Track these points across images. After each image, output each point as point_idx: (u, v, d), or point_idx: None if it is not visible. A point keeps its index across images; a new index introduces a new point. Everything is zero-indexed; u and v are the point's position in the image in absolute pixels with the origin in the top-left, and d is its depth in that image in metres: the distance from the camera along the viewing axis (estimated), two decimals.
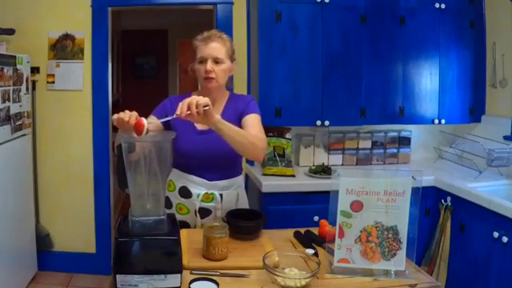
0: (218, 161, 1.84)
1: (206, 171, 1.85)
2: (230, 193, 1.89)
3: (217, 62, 1.79)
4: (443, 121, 2.96)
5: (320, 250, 1.59)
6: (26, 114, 2.89)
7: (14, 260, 2.74)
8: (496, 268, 2.19)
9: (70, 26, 3.07)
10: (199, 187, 1.85)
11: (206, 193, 1.85)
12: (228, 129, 1.60)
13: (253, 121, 1.82)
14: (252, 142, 1.68)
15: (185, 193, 1.86)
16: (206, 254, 1.52)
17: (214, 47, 1.78)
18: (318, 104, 2.81)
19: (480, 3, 2.97)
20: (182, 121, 1.77)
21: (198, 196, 1.85)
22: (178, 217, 1.85)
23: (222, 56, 1.80)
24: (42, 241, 3.15)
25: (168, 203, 1.89)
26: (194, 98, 1.49)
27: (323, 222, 1.74)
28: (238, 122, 1.83)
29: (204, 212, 1.85)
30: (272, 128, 2.87)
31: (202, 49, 1.79)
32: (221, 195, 1.86)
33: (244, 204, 1.98)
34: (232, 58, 1.86)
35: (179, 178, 1.88)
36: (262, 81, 2.75)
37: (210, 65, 1.77)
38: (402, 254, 1.43)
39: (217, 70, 1.79)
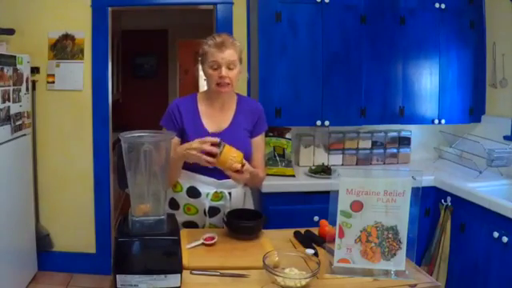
0: None
1: (217, 171, 1.85)
2: (237, 191, 1.91)
3: (230, 67, 1.81)
4: (443, 121, 2.96)
5: (320, 250, 1.59)
6: (26, 114, 2.89)
7: (13, 260, 2.74)
8: (496, 268, 2.19)
9: (70, 25, 3.08)
10: (208, 186, 1.86)
11: (216, 191, 1.86)
12: (253, 177, 1.83)
13: (261, 144, 2.00)
14: (262, 180, 2.03)
15: (193, 193, 1.86)
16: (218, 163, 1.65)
17: (228, 53, 1.80)
18: (318, 104, 2.81)
19: (480, 3, 2.97)
20: (193, 124, 1.80)
21: (207, 195, 1.85)
22: (186, 217, 1.87)
23: (235, 59, 1.83)
24: (42, 241, 3.15)
25: (175, 205, 1.89)
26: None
27: (323, 221, 1.74)
28: (250, 133, 1.94)
29: (213, 211, 1.85)
30: (272, 128, 2.87)
31: (216, 55, 1.80)
32: (229, 193, 1.87)
33: (250, 201, 2.01)
34: (241, 61, 1.88)
35: (186, 179, 1.87)
36: (262, 81, 2.75)
37: (225, 71, 1.79)
38: (401, 253, 1.43)
39: (231, 75, 1.81)
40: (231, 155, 1.65)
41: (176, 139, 1.84)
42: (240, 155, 1.68)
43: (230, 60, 1.80)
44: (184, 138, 1.86)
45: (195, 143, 1.69)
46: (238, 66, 1.84)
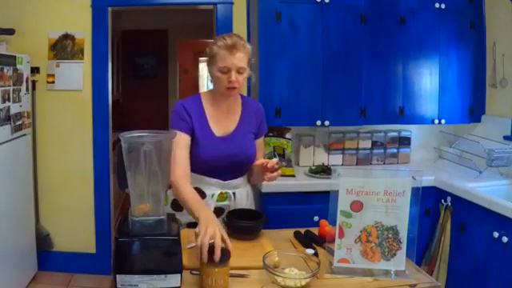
0: (237, 165, 1.88)
1: (222, 173, 1.86)
2: (241, 191, 1.92)
3: (240, 71, 1.77)
4: (443, 121, 2.96)
5: (320, 250, 1.59)
6: (25, 114, 2.89)
7: (14, 260, 2.74)
8: (496, 268, 2.19)
9: (70, 26, 3.08)
10: (213, 187, 1.86)
11: (221, 192, 1.86)
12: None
13: (262, 144, 2.04)
14: None
15: (198, 194, 1.85)
16: (201, 283, 1.34)
17: (239, 58, 1.75)
18: (317, 104, 2.81)
19: (480, 3, 2.97)
20: (201, 128, 1.81)
21: (212, 196, 1.85)
22: (191, 218, 1.85)
23: (245, 65, 1.79)
24: (42, 241, 3.15)
25: (178, 206, 1.88)
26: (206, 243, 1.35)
27: (323, 221, 1.75)
28: (255, 135, 1.95)
29: (218, 211, 1.85)
30: (272, 128, 2.87)
31: (227, 58, 1.74)
32: (233, 193, 1.88)
33: (252, 201, 2.01)
34: (250, 64, 1.84)
35: (191, 180, 1.85)
36: (262, 81, 2.75)
37: (234, 76, 1.76)
38: (402, 253, 1.43)
39: (240, 79, 1.78)
40: (221, 278, 1.32)
41: (187, 138, 1.82)
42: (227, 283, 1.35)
43: (240, 64, 1.75)
44: (192, 141, 1.84)
45: (205, 238, 1.36)
46: (247, 70, 1.81)
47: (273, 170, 1.75)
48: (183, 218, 1.85)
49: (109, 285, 2.91)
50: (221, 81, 1.78)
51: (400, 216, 1.43)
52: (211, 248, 1.33)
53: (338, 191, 1.45)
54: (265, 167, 1.75)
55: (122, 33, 5.80)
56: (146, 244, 1.30)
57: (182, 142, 1.78)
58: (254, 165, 1.86)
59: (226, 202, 1.87)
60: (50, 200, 3.19)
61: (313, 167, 2.82)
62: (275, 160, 1.74)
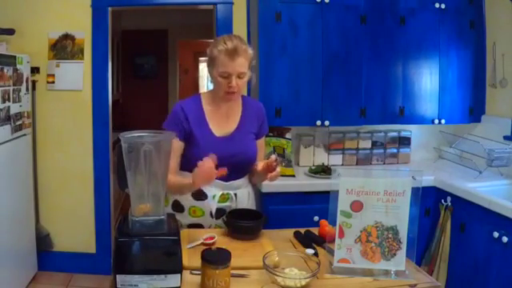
0: (238, 165, 1.87)
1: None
2: (242, 191, 1.92)
3: (240, 76, 1.77)
4: (443, 121, 2.96)
5: (320, 250, 1.59)
6: (26, 114, 2.89)
7: (14, 260, 2.74)
8: (496, 268, 2.19)
9: (70, 26, 3.08)
10: (214, 189, 1.85)
11: (223, 193, 1.86)
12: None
13: (263, 144, 2.05)
14: None
15: (199, 195, 1.85)
16: (202, 285, 1.33)
17: (240, 63, 1.74)
18: (317, 104, 2.81)
19: (480, 3, 2.97)
20: (200, 129, 1.81)
21: (213, 197, 1.85)
22: (192, 220, 1.86)
23: (246, 70, 1.78)
24: (42, 241, 3.15)
25: (179, 207, 1.88)
26: None
27: (323, 221, 1.75)
28: (255, 135, 1.95)
29: (220, 212, 1.85)
30: (272, 128, 2.87)
31: (228, 64, 1.73)
32: (235, 194, 1.88)
33: (253, 202, 2.01)
34: (251, 67, 1.83)
35: None
36: (262, 81, 2.75)
37: (235, 81, 1.75)
38: (401, 253, 1.43)
39: (240, 84, 1.78)
40: (222, 280, 1.31)
41: (180, 143, 1.83)
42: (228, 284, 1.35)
43: (241, 70, 1.75)
44: (191, 142, 1.84)
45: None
46: (247, 74, 1.80)
47: (272, 168, 1.75)
48: (184, 219, 1.85)
49: (109, 285, 2.92)
50: (221, 85, 1.78)
51: (400, 216, 1.43)
52: (206, 251, 1.34)
53: (337, 191, 1.45)
54: (265, 168, 1.75)
55: (122, 33, 5.80)
56: (146, 244, 1.30)
57: (174, 145, 1.77)
58: (255, 168, 1.86)
59: (227, 203, 1.87)
60: (50, 200, 3.19)
61: (313, 167, 2.82)
62: (273, 157, 1.74)
